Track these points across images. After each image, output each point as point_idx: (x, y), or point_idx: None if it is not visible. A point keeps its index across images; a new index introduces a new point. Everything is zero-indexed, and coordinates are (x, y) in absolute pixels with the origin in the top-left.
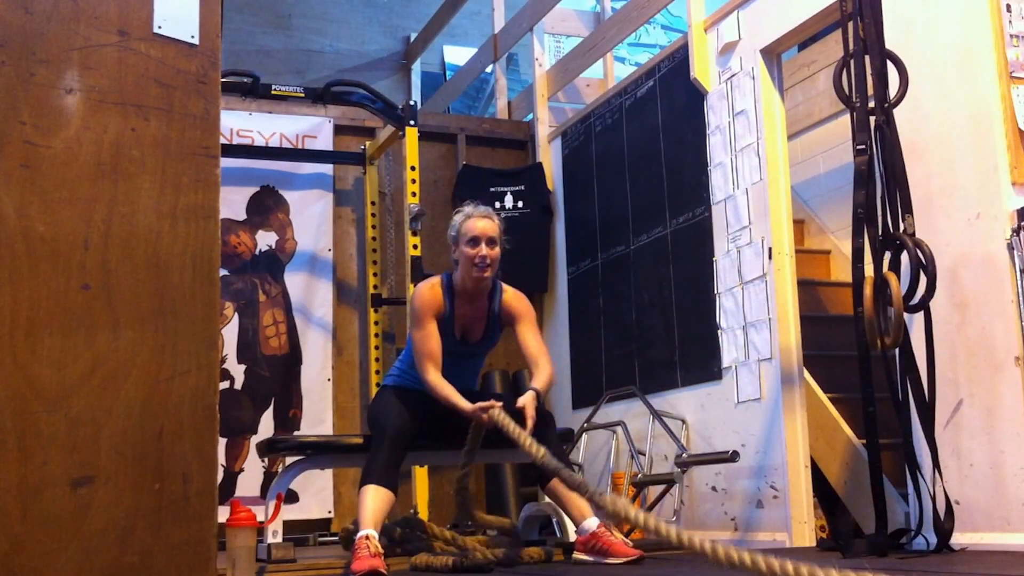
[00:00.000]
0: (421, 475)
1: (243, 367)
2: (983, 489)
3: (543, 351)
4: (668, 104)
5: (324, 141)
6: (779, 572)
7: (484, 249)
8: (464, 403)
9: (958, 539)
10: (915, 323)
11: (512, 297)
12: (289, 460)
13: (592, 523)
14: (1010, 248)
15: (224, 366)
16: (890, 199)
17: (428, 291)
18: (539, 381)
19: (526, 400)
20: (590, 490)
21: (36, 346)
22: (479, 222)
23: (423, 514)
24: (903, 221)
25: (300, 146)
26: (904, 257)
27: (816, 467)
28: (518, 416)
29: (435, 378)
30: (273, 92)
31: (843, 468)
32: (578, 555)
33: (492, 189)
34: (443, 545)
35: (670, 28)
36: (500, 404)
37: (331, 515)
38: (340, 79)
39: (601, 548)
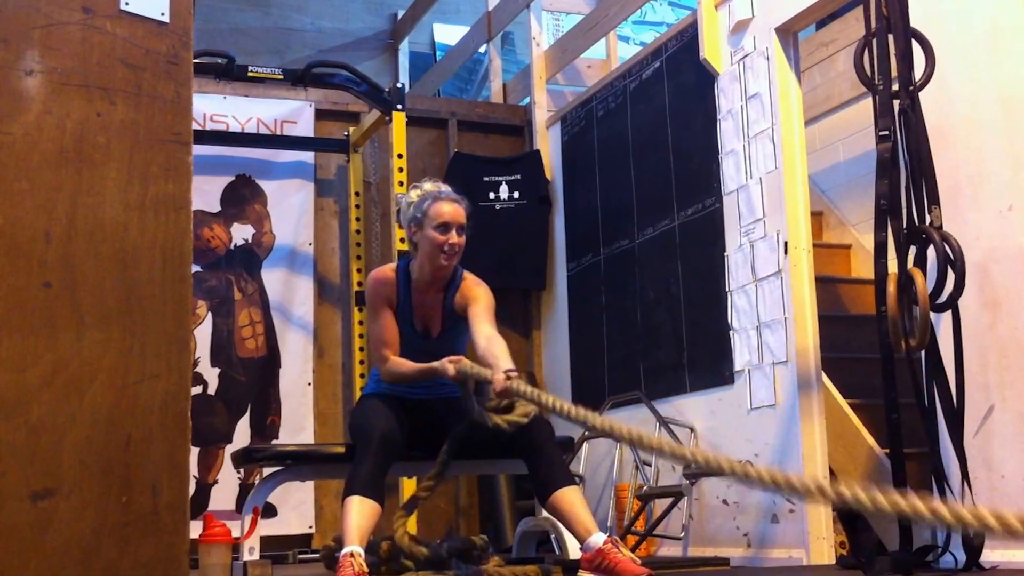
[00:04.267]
0: (409, 487)
1: (217, 371)
2: (1016, 502)
3: (503, 347)
4: (676, 87)
5: (304, 127)
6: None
7: (454, 236)
8: (432, 364)
9: (989, 556)
10: (942, 323)
11: (470, 282)
12: (267, 471)
13: (598, 539)
14: None
15: (196, 369)
16: (915, 189)
17: (381, 277)
18: (507, 360)
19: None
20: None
21: None
22: (448, 206)
23: (412, 529)
24: (929, 213)
25: (278, 132)
26: (930, 252)
27: (835, 479)
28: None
29: (394, 361)
30: (249, 74)
31: (865, 480)
32: (583, 574)
33: (486, 179)
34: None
35: (678, 5)
36: (463, 359)
37: (312, 530)
38: (322, 60)
39: (608, 566)
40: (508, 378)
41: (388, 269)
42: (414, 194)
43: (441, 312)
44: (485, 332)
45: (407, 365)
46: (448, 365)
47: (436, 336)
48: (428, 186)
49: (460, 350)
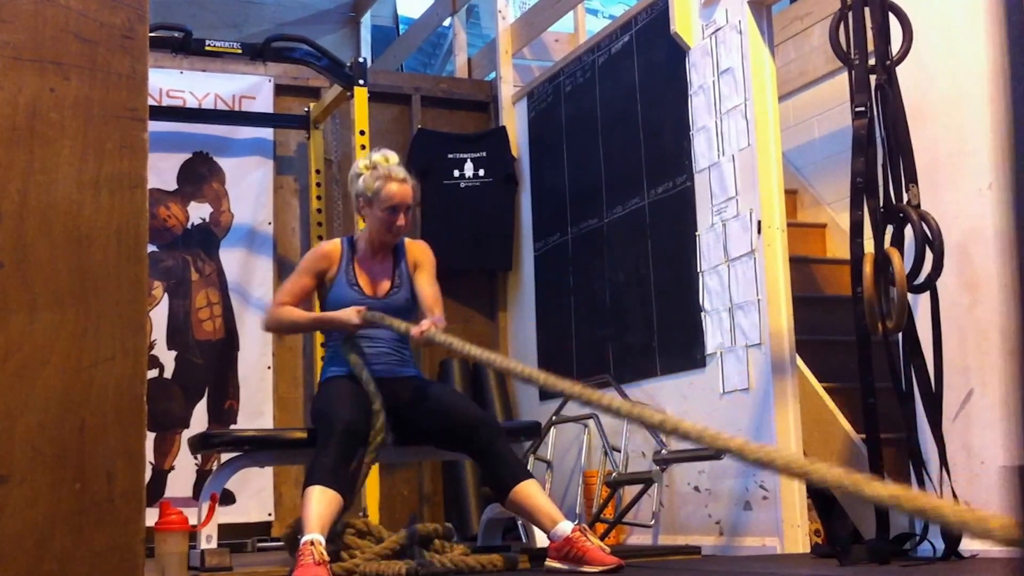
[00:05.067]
0: (372, 475)
1: (173, 354)
2: (996, 489)
3: (440, 300)
4: (646, 61)
5: (264, 102)
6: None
7: (401, 219)
8: (331, 312)
9: (968, 545)
10: (920, 305)
11: (415, 245)
12: (225, 457)
13: (566, 527)
14: None
15: (152, 352)
16: (892, 167)
17: (323, 250)
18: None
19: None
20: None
21: None
22: (398, 187)
23: (373, 518)
24: (907, 191)
25: (237, 108)
26: (908, 231)
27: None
28: (438, 416)
29: (285, 308)
30: (207, 48)
31: (840, 466)
32: (551, 563)
33: (450, 156)
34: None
35: None
36: (363, 309)
37: (271, 518)
38: (282, 33)
39: (576, 555)
40: (423, 329)
41: (336, 241)
42: (362, 165)
43: (393, 272)
44: (429, 294)
45: (297, 312)
46: (352, 313)
47: (385, 295)
48: (378, 158)
49: (406, 314)
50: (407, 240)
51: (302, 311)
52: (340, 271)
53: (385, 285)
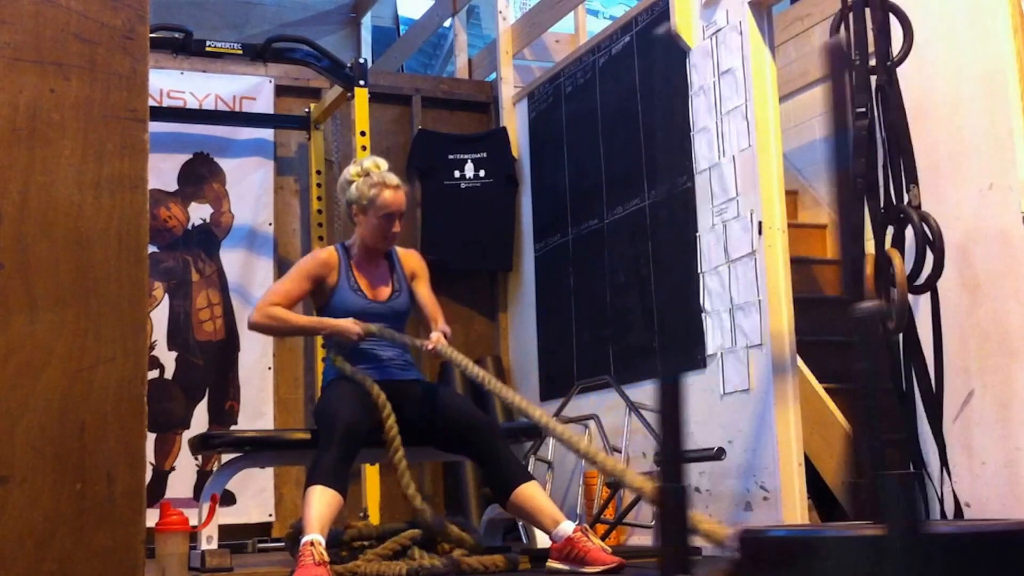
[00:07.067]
0: (372, 474)
1: (174, 354)
2: (996, 490)
3: (439, 309)
4: (646, 62)
5: (264, 103)
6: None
7: (397, 226)
8: (327, 319)
9: None
10: (921, 306)
11: (408, 254)
12: (225, 458)
13: (567, 528)
14: None
15: (153, 353)
16: (893, 168)
17: (324, 257)
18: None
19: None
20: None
21: None
22: (392, 194)
23: (373, 518)
24: (907, 192)
25: (237, 109)
26: (908, 232)
27: (811, 465)
28: (453, 424)
29: (280, 310)
30: (208, 49)
31: (841, 466)
32: (552, 563)
33: (451, 156)
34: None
35: None
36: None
37: (272, 519)
38: (282, 34)
39: (577, 555)
40: (435, 343)
41: (331, 249)
42: (353, 172)
43: (391, 277)
44: (431, 305)
45: (292, 314)
46: (351, 324)
47: (386, 299)
48: (369, 165)
49: (405, 319)
50: (398, 248)
51: (297, 314)
52: (341, 277)
53: (386, 290)
